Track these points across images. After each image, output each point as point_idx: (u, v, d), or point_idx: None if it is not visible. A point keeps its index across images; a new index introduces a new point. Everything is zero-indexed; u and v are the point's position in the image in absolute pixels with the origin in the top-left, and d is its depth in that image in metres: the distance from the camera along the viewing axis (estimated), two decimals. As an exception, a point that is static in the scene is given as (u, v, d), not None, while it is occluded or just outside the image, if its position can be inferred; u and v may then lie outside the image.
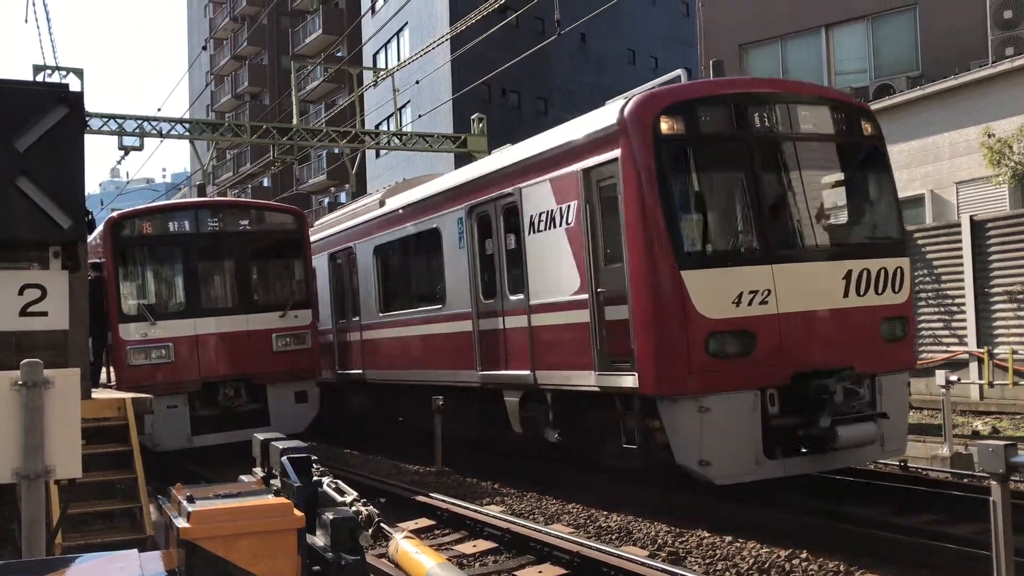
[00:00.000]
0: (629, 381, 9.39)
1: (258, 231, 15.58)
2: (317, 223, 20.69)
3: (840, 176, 10.30)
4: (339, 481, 5.89)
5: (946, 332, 16.35)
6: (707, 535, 8.82)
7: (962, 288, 16.00)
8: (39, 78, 21.35)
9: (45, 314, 6.10)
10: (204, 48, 60.96)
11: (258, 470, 6.37)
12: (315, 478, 5.65)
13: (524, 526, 9.29)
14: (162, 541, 6.33)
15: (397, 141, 26.94)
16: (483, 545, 9.33)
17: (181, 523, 4.44)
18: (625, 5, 30.25)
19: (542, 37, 28.11)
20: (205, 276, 15.32)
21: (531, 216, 11.09)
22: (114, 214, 15.09)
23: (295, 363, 15.17)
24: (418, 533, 9.70)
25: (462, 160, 27.66)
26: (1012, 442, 5.93)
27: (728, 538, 8.64)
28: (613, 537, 9.22)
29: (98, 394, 10.83)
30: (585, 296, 10.03)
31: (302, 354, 15.31)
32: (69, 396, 5.12)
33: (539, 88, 42.24)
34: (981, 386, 15.14)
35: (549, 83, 42.49)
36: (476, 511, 10.22)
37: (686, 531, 9.03)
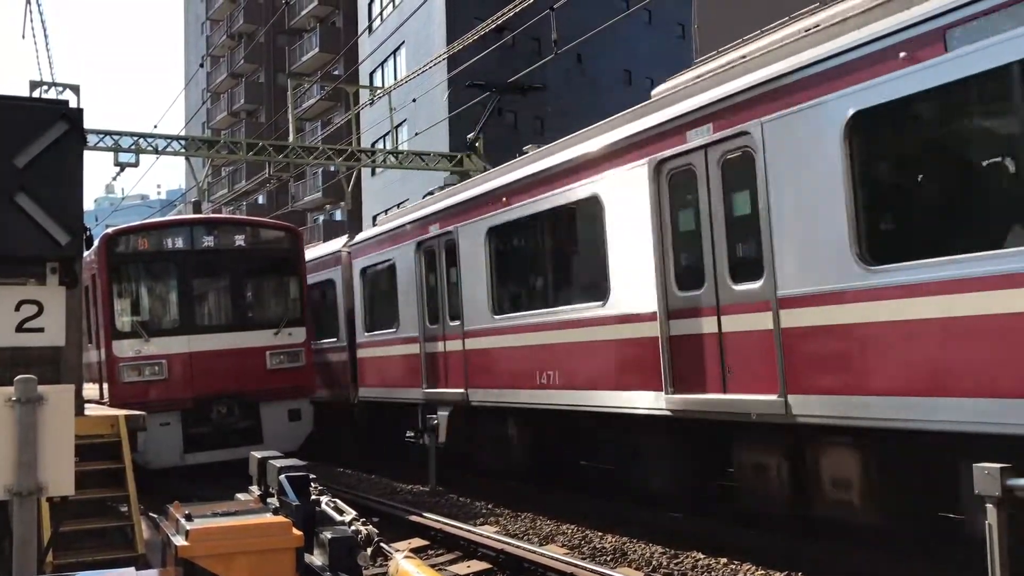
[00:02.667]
0: None
1: (253, 248, 15.59)
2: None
3: None
4: (337, 500, 5.86)
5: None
6: (702, 557, 8.80)
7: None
8: (36, 94, 21.37)
9: (42, 330, 6.06)
10: (201, 65, 61.07)
11: (255, 488, 6.34)
12: (313, 497, 5.62)
13: (518, 547, 9.25)
14: (157, 559, 6.28)
15: (393, 159, 26.96)
16: (477, 566, 9.29)
17: (179, 541, 4.42)
18: (621, 26, 30.34)
19: (538, 57, 28.23)
20: (199, 293, 15.39)
21: None
22: (109, 230, 15.12)
23: (289, 381, 15.17)
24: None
25: (458, 180, 27.66)
26: (1009, 464, 5.92)
27: (723, 560, 8.62)
28: (608, 558, 9.18)
29: (91, 410, 10.78)
30: None
31: (296, 372, 15.32)
32: (63, 413, 5.10)
33: (536, 108, 42.35)
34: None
35: (545, 103, 42.63)
36: (470, 531, 10.18)
37: (681, 552, 9.00)
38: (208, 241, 15.16)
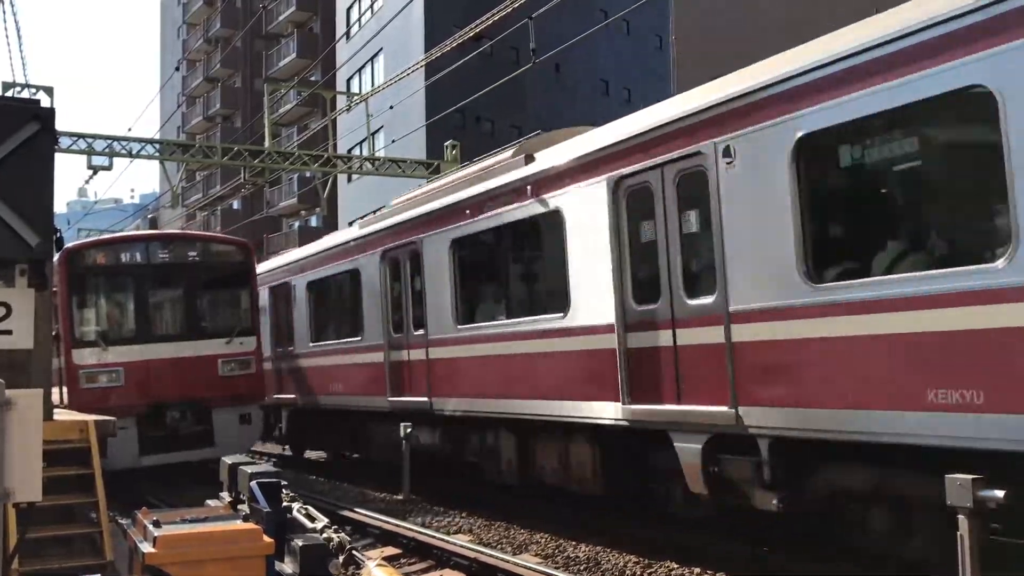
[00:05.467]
0: None
1: (206, 262, 16.44)
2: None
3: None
4: (309, 507, 5.79)
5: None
6: (675, 567, 8.79)
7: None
8: (9, 95, 21.10)
9: (10, 333, 5.96)
10: (177, 69, 60.60)
11: (226, 495, 6.26)
12: (285, 504, 5.55)
13: (492, 556, 9.21)
14: (125, 567, 6.18)
15: (369, 166, 26.86)
16: (450, 575, 9.23)
17: (147, 548, 4.34)
18: (599, 36, 30.44)
19: (516, 66, 28.26)
20: (155, 304, 16.24)
21: None
22: (69, 245, 15.91)
23: (240, 387, 15.96)
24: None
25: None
26: (981, 475, 5.95)
27: (696, 570, 8.62)
28: (581, 568, 9.15)
29: (60, 415, 10.63)
30: None
31: (246, 379, 16.12)
32: (31, 417, 5.01)
33: (513, 116, 42.43)
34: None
35: (523, 112, 42.68)
36: (443, 540, 10.13)
37: (655, 562, 8.99)
38: (163, 256, 16.09)
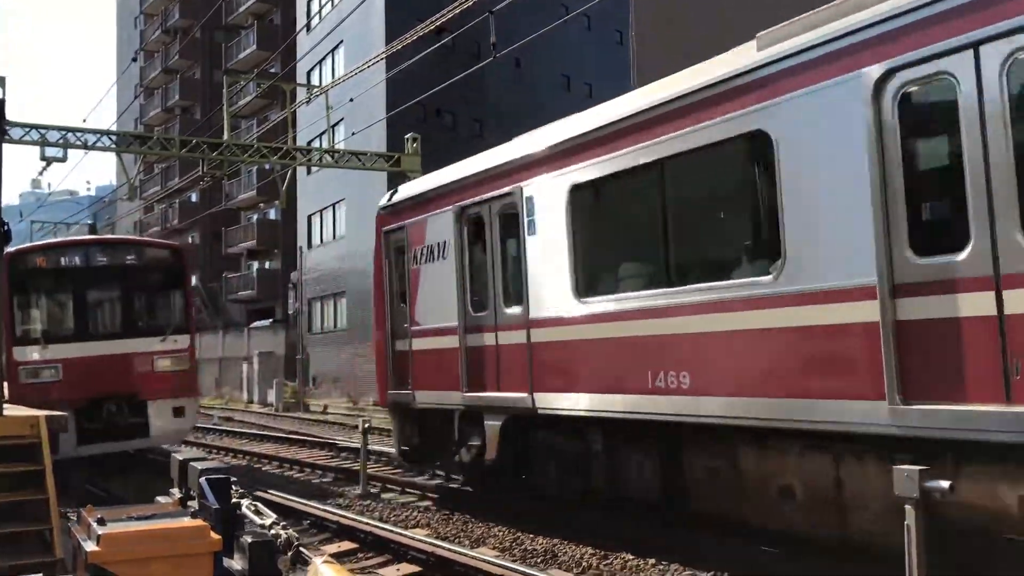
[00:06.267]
0: None
1: (141, 265, 17.31)
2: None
3: None
4: (258, 503, 5.75)
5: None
6: (631, 558, 8.86)
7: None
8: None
9: (-47, 327, 5.86)
10: (134, 60, 59.76)
11: (175, 491, 6.20)
12: (234, 500, 5.50)
13: (449, 549, 9.22)
14: (71, 565, 6.09)
15: (329, 158, 26.67)
16: (407, 569, 9.23)
17: (90, 546, 4.28)
18: (560, 32, 30.46)
19: (477, 60, 28.22)
20: (92, 304, 17.17)
21: None
22: (10, 249, 16.43)
23: (174, 382, 16.76)
24: (340, 557, 9.55)
25: (395, 179, 27.49)
26: (927, 467, 6.05)
27: (652, 561, 8.69)
28: (538, 560, 9.20)
29: (9, 411, 10.46)
30: None
31: (181, 374, 16.93)
32: (-24, 413, 4.91)
33: (475, 110, 42.37)
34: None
35: (484, 105, 42.63)
36: (400, 534, 10.12)
37: (611, 554, 9.05)
38: (101, 259, 16.93)
